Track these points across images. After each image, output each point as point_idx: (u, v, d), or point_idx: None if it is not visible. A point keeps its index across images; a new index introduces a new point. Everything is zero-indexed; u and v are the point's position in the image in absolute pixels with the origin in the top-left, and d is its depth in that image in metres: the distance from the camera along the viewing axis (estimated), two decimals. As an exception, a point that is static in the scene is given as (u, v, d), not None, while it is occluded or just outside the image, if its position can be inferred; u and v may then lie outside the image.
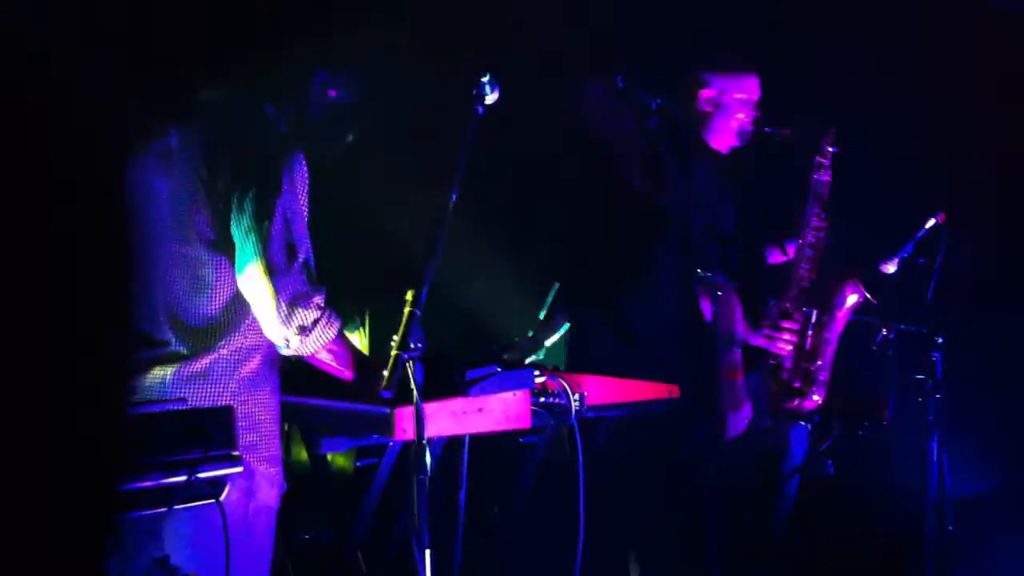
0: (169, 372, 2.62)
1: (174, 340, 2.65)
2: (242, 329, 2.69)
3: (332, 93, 2.85)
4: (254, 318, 2.68)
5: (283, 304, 2.59)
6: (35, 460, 0.84)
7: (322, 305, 2.65)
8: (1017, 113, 4.90)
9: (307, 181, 2.71)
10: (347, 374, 2.78)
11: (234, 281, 2.67)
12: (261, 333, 2.70)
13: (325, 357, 2.72)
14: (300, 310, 2.60)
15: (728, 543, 3.52)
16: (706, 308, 3.75)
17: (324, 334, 2.66)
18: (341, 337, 2.73)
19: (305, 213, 2.70)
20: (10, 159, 0.82)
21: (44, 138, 0.84)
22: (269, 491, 2.73)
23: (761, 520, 4.48)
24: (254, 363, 2.71)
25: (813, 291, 4.19)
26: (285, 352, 2.70)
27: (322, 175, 2.89)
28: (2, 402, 0.82)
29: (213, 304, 2.67)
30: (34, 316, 0.84)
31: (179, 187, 2.70)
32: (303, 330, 2.61)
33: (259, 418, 2.70)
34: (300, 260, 2.62)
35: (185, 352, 2.65)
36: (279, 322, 2.61)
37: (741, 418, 3.28)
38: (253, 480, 2.66)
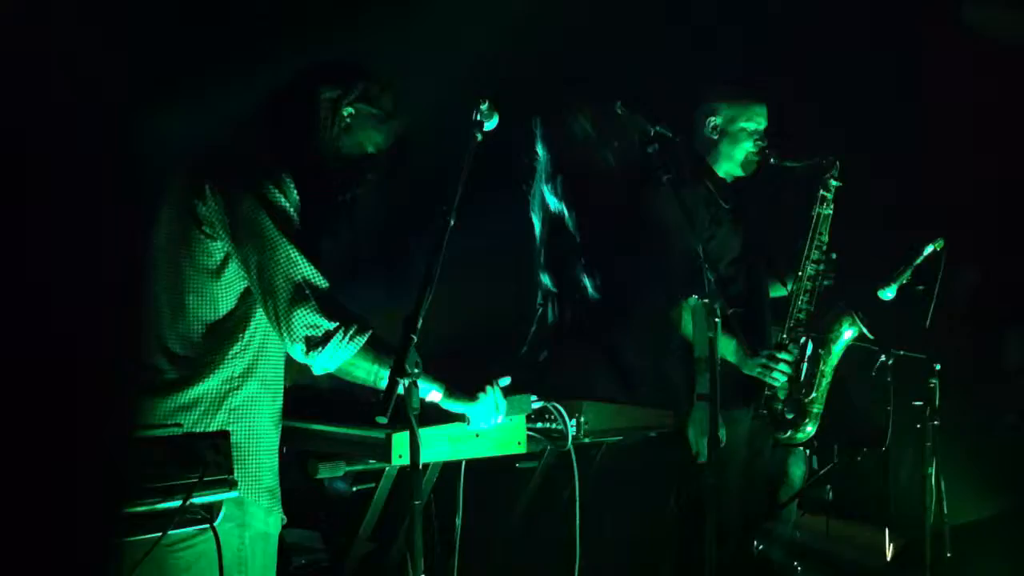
0: (158, 400, 2.59)
1: (163, 368, 2.63)
2: (230, 359, 2.66)
3: (347, 111, 2.83)
4: (242, 347, 2.67)
5: (295, 341, 2.60)
6: (45, 480, 0.85)
7: (330, 329, 2.60)
8: (1015, 141, 4.92)
9: (297, 204, 2.67)
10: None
11: (222, 310, 2.66)
12: (251, 362, 2.68)
13: (352, 374, 2.68)
14: (311, 337, 2.60)
15: (727, 567, 3.51)
16: (690, 331, 3.76)
17: (342, 352, 2.62)
18: (366, 350, 2.65)
19: (298, 238, 2.64)
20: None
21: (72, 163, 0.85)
22: (265, 519, 2.70)
23: (760, 543, 4.47)
24: (245, 392, 2.67)
25: (810, 323, 4.20)
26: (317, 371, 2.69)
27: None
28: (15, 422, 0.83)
29: (199, 333, 2.64)
30: (43, 338, 0.85)
31: (176, 217, 2.68)
32: (314, 347, 2.60)
33: (248, 450, 2.67)
34: (306, 293, 2.59)
35: (173, 380, 2.62)
36: (296, 353, 2.63)
37: (712, 444, 3.27)
38: (244, 510, 2.63)
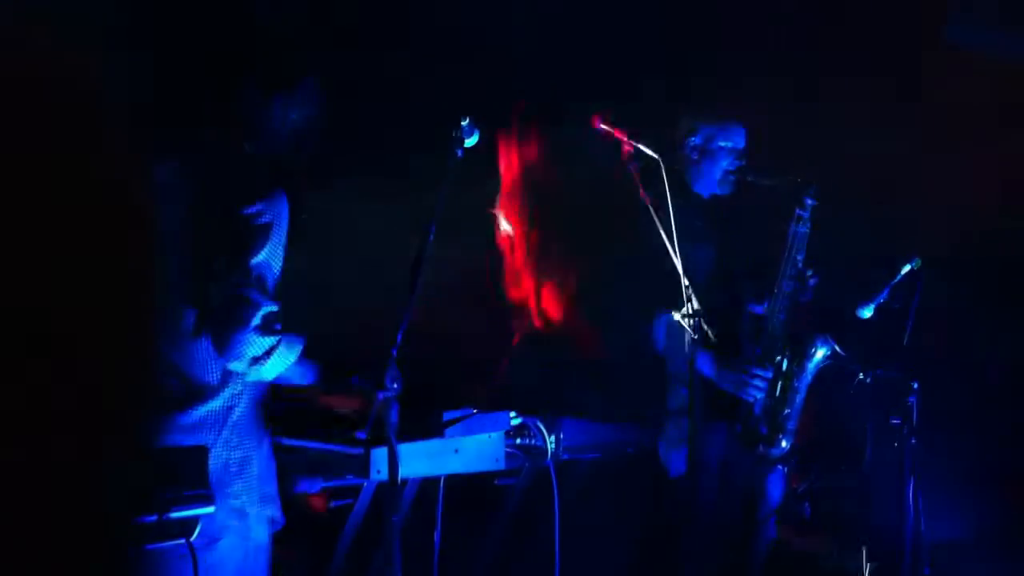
0: (165, 421, 2.58)
1: (172, 387, 2.63)
2: (233, 378, 2.68)
3: (292, 115, 2.83)
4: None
5: (238, 359, 2.60)
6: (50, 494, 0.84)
7: (272, 345, 2.61)
8: (987, 157, 4.95)
9: (286, 219, 2.69)
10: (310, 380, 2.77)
11: None
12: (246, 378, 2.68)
13: (288, 379, 2.73)
14: (256, 356, 2.60)
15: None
16: (663, 346, 3.77)
17: (284, 361, 2.65)
18: (302, 359, 2.70)
19: (278, 256, 2.67)
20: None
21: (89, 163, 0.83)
22: (263, 530, 2.71)
23: (737, 562, 4.47)
24: (242, 408, 2.69)
25: (785, 340, 4.22)
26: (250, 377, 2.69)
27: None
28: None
29: (209, 355, 2.65)
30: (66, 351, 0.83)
31: (177, 232, 2.67)
32: (256, 360, 2.61)
33: (252, 461, 2.68)
34: (251, 313, 2.60)
35: (181, 400, 2.62)
36: (238, 367, 2.63)
37: (683, 458, 3.27)
38: (247, 522, 2.63)
